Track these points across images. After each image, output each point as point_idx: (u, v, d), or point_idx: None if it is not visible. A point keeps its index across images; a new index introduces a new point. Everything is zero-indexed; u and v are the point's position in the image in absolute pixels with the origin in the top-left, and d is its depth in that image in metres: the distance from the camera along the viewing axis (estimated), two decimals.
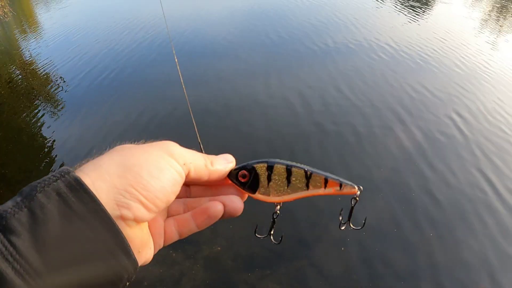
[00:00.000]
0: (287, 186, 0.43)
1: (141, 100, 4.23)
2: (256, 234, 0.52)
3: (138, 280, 2.20)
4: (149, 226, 0.39)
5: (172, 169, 0.37)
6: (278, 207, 0.46)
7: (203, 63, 5.02)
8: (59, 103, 4.39)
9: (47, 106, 4.39)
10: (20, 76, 5.41)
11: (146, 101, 4.19)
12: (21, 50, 6.48)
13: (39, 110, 4.24)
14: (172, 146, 0.39)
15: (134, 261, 0.34)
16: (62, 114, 4.11)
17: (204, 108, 3.85)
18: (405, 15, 6.99)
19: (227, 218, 0.41)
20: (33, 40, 6.80)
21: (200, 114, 3.73)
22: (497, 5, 7.99)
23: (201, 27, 6.52)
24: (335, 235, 2.43)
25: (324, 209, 2.61)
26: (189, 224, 0.41)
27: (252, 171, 0.43)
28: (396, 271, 2.22)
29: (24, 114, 4.21)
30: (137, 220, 0.34)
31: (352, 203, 0.46)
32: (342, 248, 2.34)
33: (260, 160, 0.44)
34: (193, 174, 0.39)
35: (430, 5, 7.94)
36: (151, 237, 0.39)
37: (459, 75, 4.54)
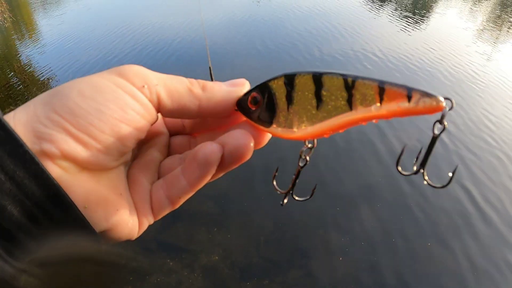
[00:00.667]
0: (318, 108, 0.27)
1: None
2: (277, 188, 0.35)
3: None
4: (130, 188, 0.30)
5: (120, 90, 0.27)
6: (309, 145, 0.30)
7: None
8: None
9: None
10: (18, 82, 5.40)
11: None
12: (20, 55, 6.48)
13: None
14: (128, 66, 0.28)
15: (72, 214, 0.24)
16: None
17: None
18: (399, 25, 7.07)
19: (232, 165, 0.30)
20: (32, 45, 6.81)
21: None
22: (492, 15, 8.11)
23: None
24: (333, 244, 2.44)
25: (323, 216, 2.62)
26: (179, 181, 0.30)
27: (266, 90, 0.29)
28: (394, 281, 2.22)
29: None
30: (68, 157, 0.25)
31: (435, 131, 0.25)
32: (340, 258, 2.34)
33: (280, 74, 0.29)
34: (168, 102, 0.29)
35: (426, 16, 8.04)
36: (122, 197, 0.28)
37: (447, 85, 4.58)
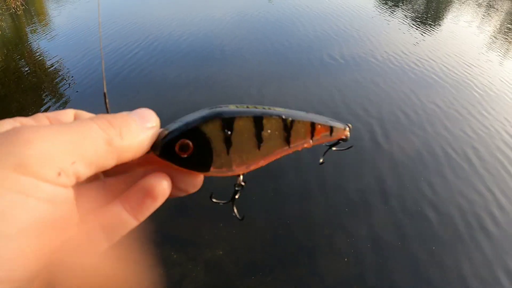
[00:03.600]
0: (259, 148, 0.28)
1: (157, 99, 4.24)
2: (213, 199, 0.35)
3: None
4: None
5: (31, 200, 0.18)
6: (241, 177, 0.30)
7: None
8: (67, 100, 4.40)
9: (55, 102, 4.40)
10: (28, 70, 5.43)
11: (159, 102, 4.19)
12: (31, 44, 6.51)
13: (47, 106, 4.26)
14: (24, 145, 0.19)
15: None
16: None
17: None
18: (410, 30, 7.02)
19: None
20: (43, 34, 6.84)
21: None
22: (506, 24, 8.03)
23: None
24: (338, 244, 2.42)
25: (330, 215, 2.61)
26: (123, 219, 0.24)
27: (199, 136, 0.26)
28: (399, 284, 2.20)
29: (33, 109, 4.23)
30: None
31: (341, 145, 0.33)
32: (346, 259, 2.32)
33: (206, 115, 0.27)
34: (87, 172, 0.21)
35: (438, 23, 7.98)
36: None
37: (464, 92, 4.54)
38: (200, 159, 0.27)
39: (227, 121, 0.26)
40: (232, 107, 0.27)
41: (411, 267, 2.29)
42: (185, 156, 0.26)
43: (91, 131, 0.21)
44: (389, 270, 2.27)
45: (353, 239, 2.45)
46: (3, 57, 5.92)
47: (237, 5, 8.18)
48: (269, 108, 0.28)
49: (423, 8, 8.92)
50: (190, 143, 0.26)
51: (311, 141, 0.30)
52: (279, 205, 2.69)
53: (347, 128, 0.31)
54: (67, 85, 4.68)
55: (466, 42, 6.42)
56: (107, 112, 0.25)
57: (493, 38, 6.85)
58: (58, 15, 8.21)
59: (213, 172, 0.27)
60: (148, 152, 0.26)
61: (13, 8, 7.62)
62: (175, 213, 2.56)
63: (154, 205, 0.25)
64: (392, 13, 8.06)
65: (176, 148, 0.26)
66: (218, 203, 0.33)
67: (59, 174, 0.19)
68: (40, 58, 5.75)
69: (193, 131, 0.26)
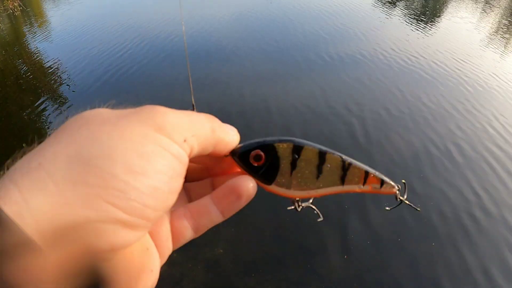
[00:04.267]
0: (317, 178, 0.32)
1: (149, 98, 4.24)
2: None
3: None
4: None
5: (167, 154, 0.23)
6: (297, 204, 0.34)
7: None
8: (65, 100, 4.40)
9: (53, 102, 4.40)
10: (26, 71, 5.43)
11: (153, 100, 4.19)
12: (29, 45, 6.51)
13: (45, 106, 4.25)
14: (161, 114, 0.24)
15: None
16: (67, 111, 4.12)
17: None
18: (410, 28, 7.02)
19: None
20: (41, 35, 6.84)
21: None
22: (504, 21, 8.04)
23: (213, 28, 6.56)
24: (339, 242, 2.43)
25: (329, 214, 2.61)
26: (210, 212, 0.29)
27: (272, 152, 0.31)
28: (399, 282, 2.21)
29: (29, 110, 4.22)
30: (116, 249, 0.21)
31: (396, 200, 0.37)
32: (345, 256, 2.33)
33: (283, 138, 0.31)
34: (196, 151, 0.26)
35: (437, 19, 7.98)
36: (151, 254, 0.26)
37: (460, 90, 4.55)
38: (267, 171, 0.31)
39: (298, 147, 0.31)
40: (306, 141, 0.32)
41: (408, 264, 2.30)
42: (256, 165, 0.30)
43: (202, 119, 0.27)
44: (387, 267, 2.28)
45: (352, 237, 2.46)
46: (1, 58, 5.91)
47: (236, 4, 8.19)
48: (333, 150, 0.32)
49: (416, 4, 8.92)
50: (263, 155, 0.30)
51: (362, 186, 0.33)
52: (278, 204, 2.69)
53: (396, 188, 0.34)
54: (65, 85, 4.68)
55: (461, 38, 6.42)
56: (193, 109, 0.30)
57: (488, 33, 6.86)
58: (55, 15, 8.20)
59: (273, 187, 0.31)
60: (226, 156, 0.31)
61: (11, 9, 7.61)
62: None
63: (239, 203, 0.29)
64: (389, 10, 8.06)
65: (251, 156, 0.30)
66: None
67: (184, 140, 0.25)
68: (38, 59, 5.74)
69: (268, 146, 0.31)
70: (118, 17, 7.46)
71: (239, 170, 0.32)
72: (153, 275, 0.26)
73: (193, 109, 0.33)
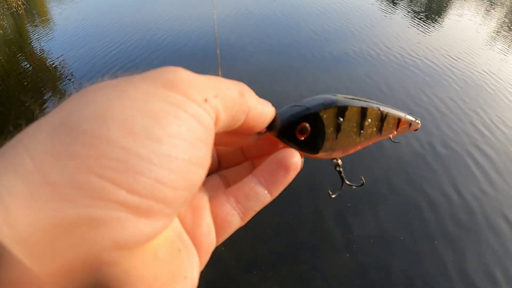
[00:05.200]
0: (359, 135, 0.31)
1: None
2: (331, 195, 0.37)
3: None
4: (182, 222, 0.22)
5: (182, 112, 0.18)
6: (339, 161, 0.33)
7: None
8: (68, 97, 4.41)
9: (56, 100, 4.42)
10: (29, 69, 5.45)
11: None
12: (32, 42, 6.53)
13: (48, 105, 4.27)
14: (173, 71, 0.19)
15: None
16: None
17: None
18: (413, 25, 6.98)
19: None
20: (44, 33, 6.86)
21: None
22: (509, 17, 7.96)
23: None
24: (340, 240, 2.42)
25: (332, 211, 2.60)
26: (257, 192, 0.25)
27: (317, 121, 0.28)
28: (402, 280, 2.20)
29: (35, 107, 4.24)
30: (124, 247, 0.16)
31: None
32: (347, 254, 2.32)
33: (325, 102, 0.29)
34: (223, 117, 0.21)
35: (441, 16, 7.92)
36: (185, 256, 0.21)
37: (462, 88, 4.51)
38: (313, 142, 0.29)
39: (342, 109, 0.29)
40: (341, 97, 0.30)
41: (411, 260, 2.29)
42: (302, 138, 0.28)
43: (227, 82, 0.22)
44: (390, 265, 2.27)
45: (354, 234, 2.45)
46: (5, 57, 5.94)
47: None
48: (366, 101, 0.31)
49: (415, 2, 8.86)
50: (309, 127, 0.28)
51: (395, 132, 0.34)
52: (281, 200, 2.68)
53: (419, 121, 0.36)
54: (69, 83, 4.69)
55: (455, 35, 6.37)
56: None
57: (486, 31, 6.80)
58: (59, 14, 8.22)
59: (320, 155, 0.30)
60: (260, 133, 0.27)
61: (14, 7, 7.64)
62: None
63: (287, 178, 0.26)
64: (394, 8, 8.02)
65: (297, 131, 0.28)
66: (343, 189, 0.35)
67: (205, 100, 0.19)
68: (41, 57, 5.76)
69: (313, 116, 0.28)
70: (122, 14, 7.47)
71: (281, 146, 0.28)
72: (188, 283, 0.20)
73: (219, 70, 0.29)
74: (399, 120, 0.34)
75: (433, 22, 7.15)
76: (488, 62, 5.24)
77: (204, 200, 0.24)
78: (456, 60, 5.21)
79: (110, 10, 8.26)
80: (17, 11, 7.72)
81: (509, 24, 7.33)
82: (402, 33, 6.32)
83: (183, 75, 0.19)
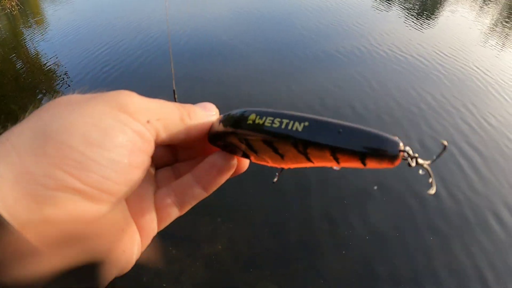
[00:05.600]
0: (283, 159, 0.28)
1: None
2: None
3: (136, 275, 2.20)
4: (130, 209, 0.27)
5: (127, 129, 0.24)
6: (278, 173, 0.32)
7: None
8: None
9: (50, 100, 4.39)
10: (24, 70, 5.42)
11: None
12: (27, 44, 6.49)
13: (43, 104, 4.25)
14: (126, 96, 0.25)
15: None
16: None
17: None
18: (407, 23, 6.99)
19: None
20: (39, 34, 6.82)
21: None
22: (504, 13, 8.00)
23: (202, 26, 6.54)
24: (336, 238, 2.43)
25: (329, 209, 2.61)
26: (193, 189, 0.29)
27: (226, 136, 0.29)
28: (397, 276, 2.21)
29: (30, 108, 4.21)
30: (77, 221, 0.22)
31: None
32: (343, 252, 2.33)
33: (248, 109, 0.27)
34: (163, 136, 0.26)
35: (436, 13, 7.95)
36: (126, 235, 0.26)
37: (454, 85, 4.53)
38: (233, 151, 0.30)
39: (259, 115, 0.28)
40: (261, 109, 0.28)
41: (407, 257, 2.30)
42: (222, 145, 0.30)
43: (170, 107, 0.27)
44: (386, 262, 2.28)
45: (351, 232, 2.46)
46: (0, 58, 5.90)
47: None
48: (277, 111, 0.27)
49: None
50: (222, 141, 0.29)
51: (339, 165, 0.26)
52: (277, 200, 2.69)
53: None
54: (64, 84, 4.67)
55: (448, 31, 6.40)
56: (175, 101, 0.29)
57: (480, 27, 6.83)
58: (53, 15, 8.17)
59: (257, 161, 0.29)
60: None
61: (8, 8, 7.59)
62: None
63: (221, 177, 0.30)
64: (388, 6, 8.03)
65: (216, 141, 0.29)
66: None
67: (148, 122, 0.25)
68: (36, 58, 5.73)
69: (224, 133, 0.29)
70: (117, 14, 7.44)
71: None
72: (126, 257, 0.26)
73: (174, 95, 0.32)
74: (334, 156, 0.24)
75: (427, 19, 7.17)
76: (480, 58, 5.26)
77: (150, 192, 0.29)
78: (447, 56, 5.23)
79: (104, 10, 8.21)
80: (11, 12, 7.66)
81: (502, 21, 7.37)
82: (396, 30, 6.33)
83: (133, 99, 0.25)
